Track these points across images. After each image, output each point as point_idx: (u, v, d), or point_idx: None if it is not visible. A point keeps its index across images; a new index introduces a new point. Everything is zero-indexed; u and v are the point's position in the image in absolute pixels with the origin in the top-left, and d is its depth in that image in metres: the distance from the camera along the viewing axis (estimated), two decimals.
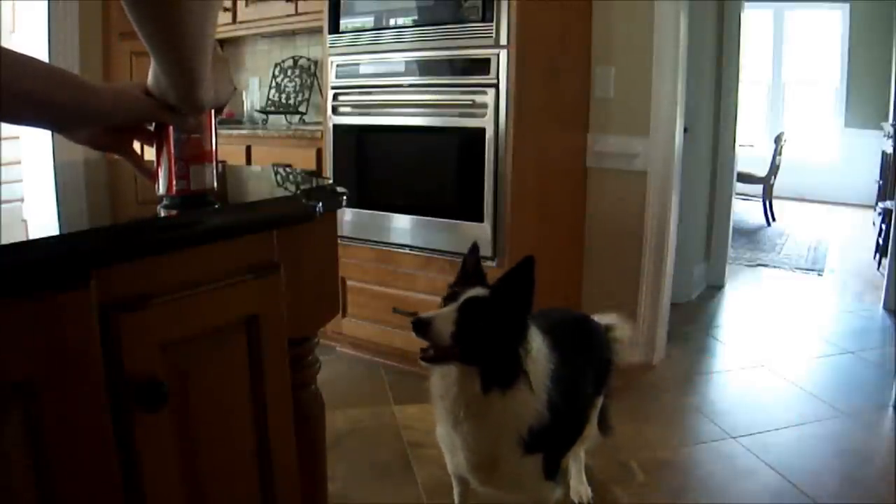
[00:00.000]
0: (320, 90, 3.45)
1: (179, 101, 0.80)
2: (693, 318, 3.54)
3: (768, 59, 7.96)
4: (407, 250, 2.76)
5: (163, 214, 0.85)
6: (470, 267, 1.49)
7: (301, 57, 3.73)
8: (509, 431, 1.41)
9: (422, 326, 1.31)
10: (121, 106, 0.81)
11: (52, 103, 0.75)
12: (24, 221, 0.86)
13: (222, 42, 3.94)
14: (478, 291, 1.39)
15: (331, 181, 1.17)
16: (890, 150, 5.26)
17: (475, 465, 1.47)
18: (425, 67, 2.63)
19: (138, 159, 0.90)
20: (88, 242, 0.72)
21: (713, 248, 4.07)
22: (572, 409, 1.56)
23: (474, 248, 1.51)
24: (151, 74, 0.79)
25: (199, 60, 0.75)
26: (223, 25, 3.54)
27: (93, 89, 0.79)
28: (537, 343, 1.42)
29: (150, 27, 0.70)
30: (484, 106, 2.48)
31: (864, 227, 6.01)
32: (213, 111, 0.86)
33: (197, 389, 0.84)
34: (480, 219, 2.54)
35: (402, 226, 2.76)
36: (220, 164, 0.91)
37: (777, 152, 6.29)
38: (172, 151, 0.84)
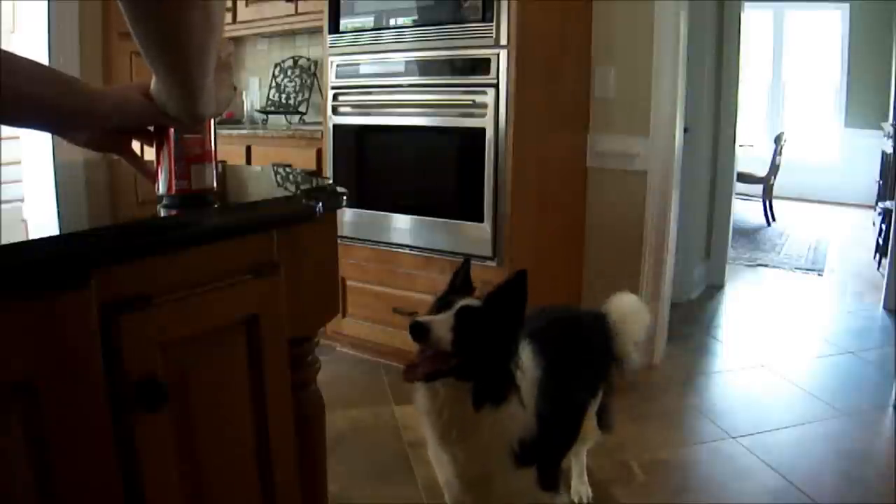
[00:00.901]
0: (320, 90, 3.45)
1: (179, 113, 0.80)
2: (693, 318, 3.53)
3: (768, 59, 7.96)
4: (407, 250, 2.76)
5: (163, 214, 0.86)
6: (458, 280, 1.46)
7: (301, 57, 3.73)
8: (500, 447, 1.37)
9: (420, 330, 1.26)
10: (121, 110, 0.80)
11: (52, 107, 0.75)
12: (24, 221, 0.85)
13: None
14: (471, 301, 1.36)
15: (331, 181, 1.17)
16: (890, 150, 5.25)
17: (467, 483, 1.44)
18: (425, 67, 2.63)
19: (138, 160, 0.90)
20: (88, 242, 0.72)
21: (713, 248, 4.07)
22: (563, 415, 1.53)
23: (466, 262, 1.50)
24: (153, 82, 0.79)
25: (200, 76, 0.75)
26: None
27: (93, 93, 0.79)
28: (525, 351, 1.39)
29: (149, 42, 0.70)
30: (484, 106, 2.48)
31: (864, 227, 6.00)
32: None
33: (197, 389, 0.84)
34: (480, 219, 2.54)
35: (401, 226, 2.76)
36: (219, 164, 0.91)
37: (777, 152, 6.29)
38: (172, 151, 0.84)
